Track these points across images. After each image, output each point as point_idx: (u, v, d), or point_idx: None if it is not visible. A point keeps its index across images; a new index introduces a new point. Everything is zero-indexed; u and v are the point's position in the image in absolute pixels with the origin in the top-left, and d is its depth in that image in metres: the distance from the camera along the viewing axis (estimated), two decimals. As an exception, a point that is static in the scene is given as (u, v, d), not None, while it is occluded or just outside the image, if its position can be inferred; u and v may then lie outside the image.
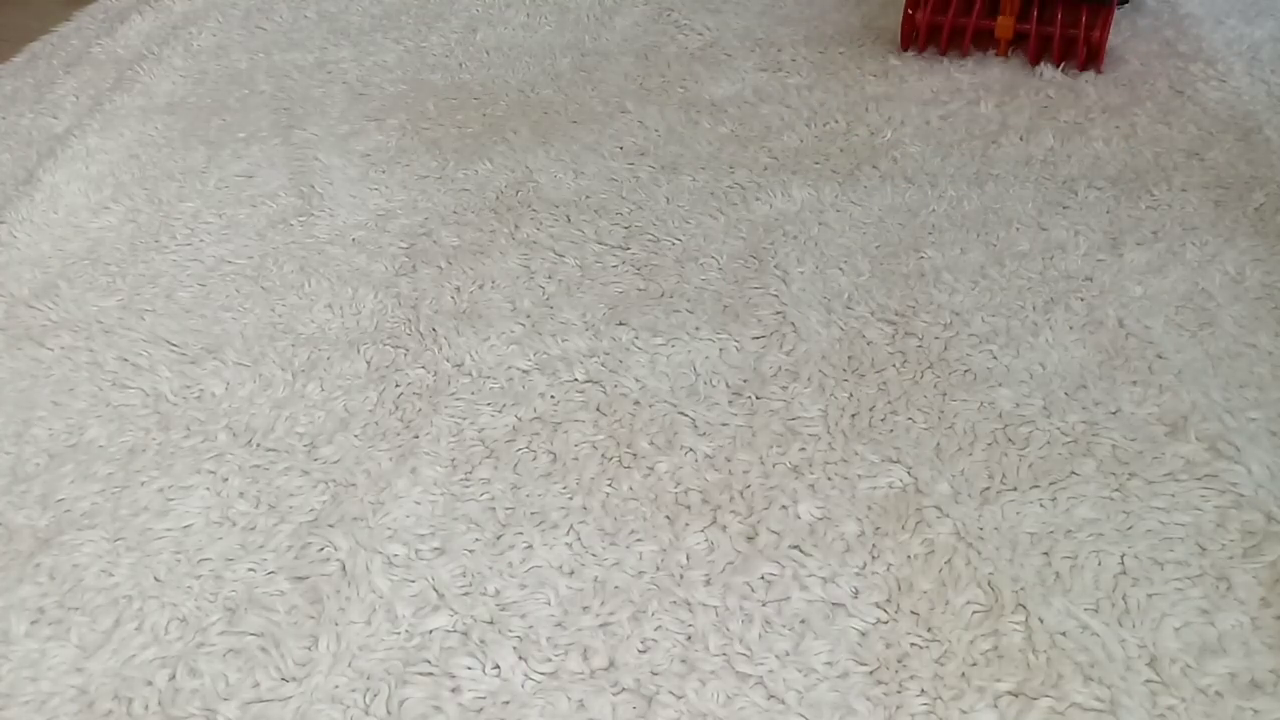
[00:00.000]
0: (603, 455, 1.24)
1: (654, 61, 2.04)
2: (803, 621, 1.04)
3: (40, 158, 1.87)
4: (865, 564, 1.09)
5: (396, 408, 1.32)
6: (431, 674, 1.02)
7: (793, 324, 1.40)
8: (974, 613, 1.04)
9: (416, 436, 1.28)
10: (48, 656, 1.07)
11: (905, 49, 1.96)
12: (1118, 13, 1.94)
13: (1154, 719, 0.94)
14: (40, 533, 1.19)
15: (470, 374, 1.36)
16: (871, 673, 0.99)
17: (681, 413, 1.28)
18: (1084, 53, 1.85)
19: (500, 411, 1.30)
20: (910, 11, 1.94)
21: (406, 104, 1.97)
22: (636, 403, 1.30)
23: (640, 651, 1.03)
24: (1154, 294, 1.40)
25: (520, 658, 1.03)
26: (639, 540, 1.13)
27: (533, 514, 1.17)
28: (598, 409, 1.30)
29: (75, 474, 1.26)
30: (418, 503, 1.19)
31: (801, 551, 1.10)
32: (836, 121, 1.81)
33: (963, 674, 0.99)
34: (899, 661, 1.00)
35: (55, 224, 1.72)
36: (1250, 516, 1.10)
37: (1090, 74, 1.86)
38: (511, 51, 2.11)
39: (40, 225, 1.71)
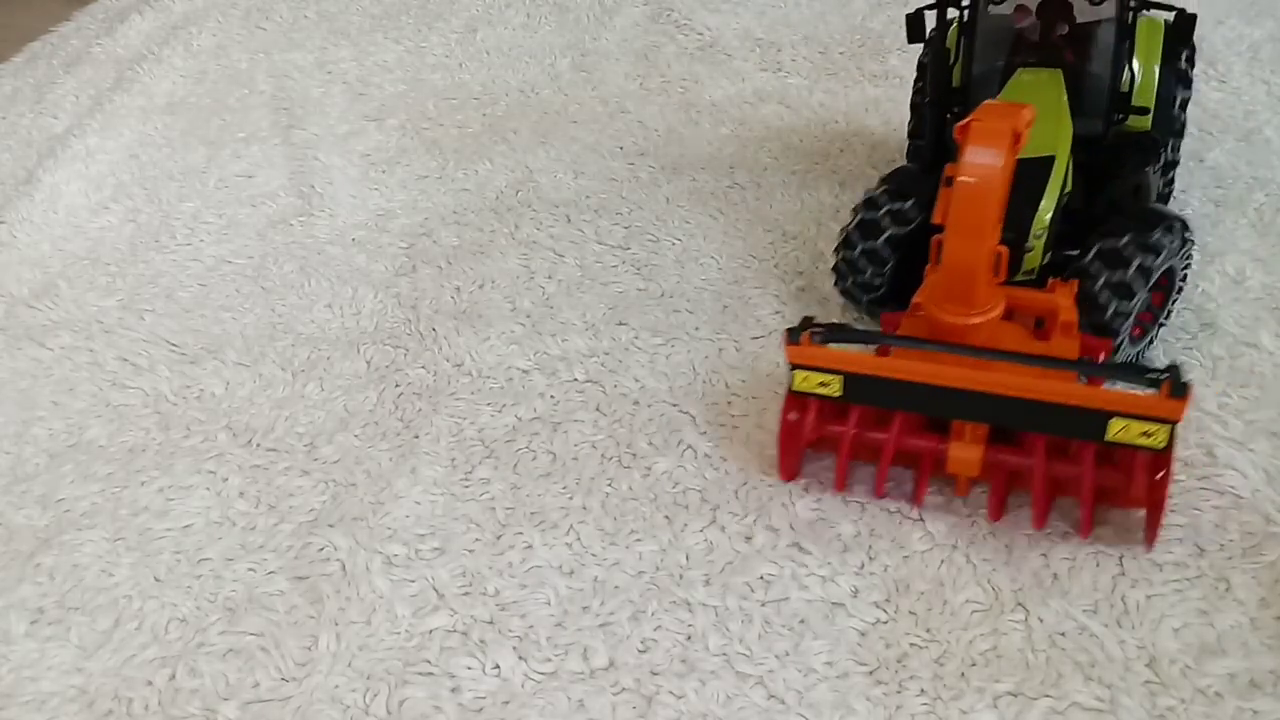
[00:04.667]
0: (602, 455, 1.23)
1: (654, 61, 2.04)
2: (802, 621, 1.04)
3: (40, 158, 1.87)
4: (864, 564, 1.09)
5: (396, 408, 1.32)
6: (431, 674, 1.02)
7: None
8: (973, 612, 1.04)
9: (416, 436, 1.28)
10: (48, 656, 1.07)
11: (787, 479, 1.16)
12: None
13: (1153, 719, 0.94)
14: (40, 533, 1.20)
15: (470, 374, 1.36)
16: (871, 673, 0.99)
17: (681, 412, 1.28)
18: (1149, 514, 1.06)
19: (500, 411, 1.30)
20: (791, 418, 1.13)
21: (406, 104, 1.97)
22: (636, 402, 1.30)
23: (640, 651, 1.03)
24: (1153, 294, 1.40)
25: (520, 658, 1.03)
26: (638, 540, 1.13)
27: (533, 514, 1.17)
28: (597, 409, 1.30)
29: (75, 474, 1.26)
30: (418, 503, 1.19)
31: (801, 551, 1.10)
32: (837, 122, 1.81)
33: (962, 674, 0.99)
34: (899, 661, 1.00)
35: (55, 224, 1.72)
36: (1249, 518, 1.10)
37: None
38: (511, 51, 2.11)
39: (40, 225, 1.71)
